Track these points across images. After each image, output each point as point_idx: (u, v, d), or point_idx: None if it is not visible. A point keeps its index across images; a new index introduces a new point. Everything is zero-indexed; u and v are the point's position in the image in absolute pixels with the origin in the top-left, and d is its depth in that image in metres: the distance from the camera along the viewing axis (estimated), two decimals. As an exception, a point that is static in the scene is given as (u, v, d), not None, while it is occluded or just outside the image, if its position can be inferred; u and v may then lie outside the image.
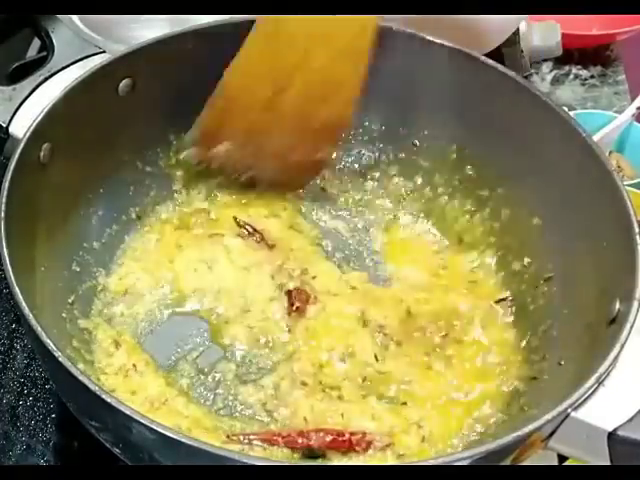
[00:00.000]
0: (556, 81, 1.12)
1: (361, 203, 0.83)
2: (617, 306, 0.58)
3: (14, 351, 0.76)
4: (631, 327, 0.55)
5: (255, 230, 0.78)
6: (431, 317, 0.72)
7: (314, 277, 0.74)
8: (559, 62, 1.12)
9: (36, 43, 0.93)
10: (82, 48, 0.75)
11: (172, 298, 0.74)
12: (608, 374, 0.54)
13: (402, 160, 0.81)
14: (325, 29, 0.71)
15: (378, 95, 0.78)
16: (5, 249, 0.57)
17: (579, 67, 1.14)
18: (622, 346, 0.54)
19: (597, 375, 0.53)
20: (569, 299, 0.67)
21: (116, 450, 0.58)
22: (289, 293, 0.73)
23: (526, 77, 0.92)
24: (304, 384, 0.67)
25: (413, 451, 0.63)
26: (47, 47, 0.77)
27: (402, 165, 0.82)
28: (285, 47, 0.72)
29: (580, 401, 0.53)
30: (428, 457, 0.58)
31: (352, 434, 0.62)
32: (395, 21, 0.75)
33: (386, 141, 0.82)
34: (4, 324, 0.78)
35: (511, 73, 0.72)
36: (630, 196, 0.62)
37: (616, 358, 0.54)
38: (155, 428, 0.49)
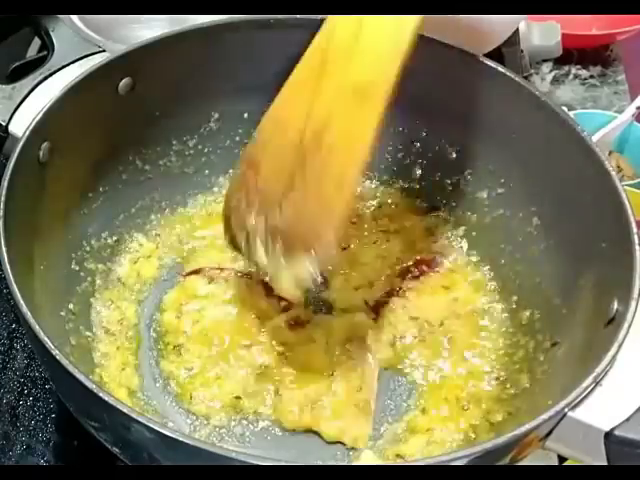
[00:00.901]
0: (556, 81, 1.12)
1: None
2: (615, 306, 0.58)
3: (14, 351, 0.76)
4: (629, 327, 0.55)
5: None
6: None
7: None
8: (559, 62, 1.12)
9: (36, 42, 0.93)
10: (82, 47, 0.75)
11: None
12: (605, 374, 0.54)
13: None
14: None
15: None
16: (4, 248, 0.57)
17: (579, 67, 1.14)
18: (620, 346, 0.54)
19: (594, 375, 0.53)
20: (567, 299, 0.67)
21: (115, 450, 0.58)
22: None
23: (526, 77, 0.92)
24: None
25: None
26: (47, 46, 0.76)
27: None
28: None
29: (577, 401, 0.53)
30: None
31: None
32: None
33: (385, 141, 0.81)
34: (4, 324, 0.78)
35: (511, 73, 0.72)
36: (629, 196, 0.62)
37: (614, 358, 0.54)
38: (154, 427, 0.49)
